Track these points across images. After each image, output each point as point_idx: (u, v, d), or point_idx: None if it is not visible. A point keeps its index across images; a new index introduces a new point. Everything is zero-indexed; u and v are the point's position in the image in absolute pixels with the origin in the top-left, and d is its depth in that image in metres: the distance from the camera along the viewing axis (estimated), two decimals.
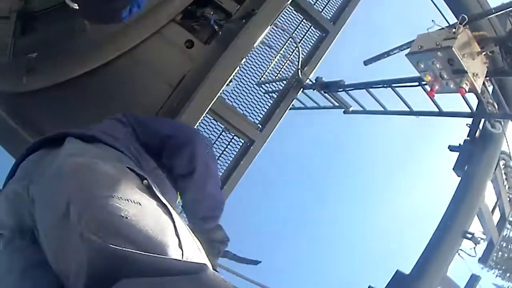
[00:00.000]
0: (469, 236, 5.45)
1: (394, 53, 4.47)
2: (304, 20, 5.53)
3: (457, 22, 3.36)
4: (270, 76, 5.71)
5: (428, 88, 3.87)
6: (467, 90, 3.49)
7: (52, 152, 1.70)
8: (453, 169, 5.64)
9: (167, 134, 2.09)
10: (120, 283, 0.96)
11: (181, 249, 1.15)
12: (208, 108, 3.60)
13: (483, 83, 4.38)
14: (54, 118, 3.61)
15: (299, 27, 5.57)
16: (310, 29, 5.55)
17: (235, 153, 4.74)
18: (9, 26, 3.53)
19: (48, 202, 1.39)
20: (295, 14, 5.50)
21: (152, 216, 1.21)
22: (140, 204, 1.24)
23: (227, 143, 4.81)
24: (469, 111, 4.71)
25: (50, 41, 3.50)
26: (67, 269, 1.17)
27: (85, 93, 3.58)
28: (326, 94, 6.02)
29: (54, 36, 3.52)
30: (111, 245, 1.04)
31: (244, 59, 3.75)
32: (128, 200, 1.22)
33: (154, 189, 1.39)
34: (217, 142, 4.82)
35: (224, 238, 2.22)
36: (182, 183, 2.05)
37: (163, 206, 1.31)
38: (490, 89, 4.67)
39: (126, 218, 1.14)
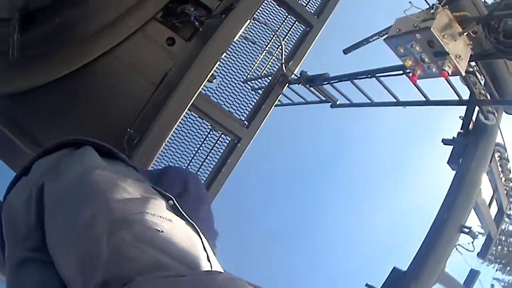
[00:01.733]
0: (467, 230, 5.37)
1: (374, 40, 4.41)
2: (287, 15, 5.49)
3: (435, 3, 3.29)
4: (255, 73, 5.69)
5: (411, 79, 3.83)
6: (450, 73, 3.36)
7: (68, 157, 1.70)
8: (448, 162, 5.58)
9: (162, 172, 2.14)
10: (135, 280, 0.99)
11: (210, 262, 1.20)
12: (191, 103, 3.58)
13: (475, 74, 4.34)
14: (39, 118, 3.61)
15: (283, 22, 5.54)
16: (294, 24, 5.50)
17: (222, 151, 4.72)
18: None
19: (65, 210, 1.39)
20: (278, 9, 5.47)
21: (183, 232, 1.25)
22: (171, 221, 1.27)
23: (214, 141, 4.80)
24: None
25: (32, 42, 3.46)
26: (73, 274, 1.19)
27: (68, 93, 3.58)
28: (312, 88, 5.99)
29: (37, 37, 3.49)
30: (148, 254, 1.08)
31: (224, 54, 3.72)
32: (160, 217, 1.25)
33: (180, 208, 1.42)
34: (205, 142, 4.81)
35: None
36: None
37: (190, 224, 1.35)
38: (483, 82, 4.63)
39: (162, 232, 1.17)
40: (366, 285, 5.28)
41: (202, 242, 1.26)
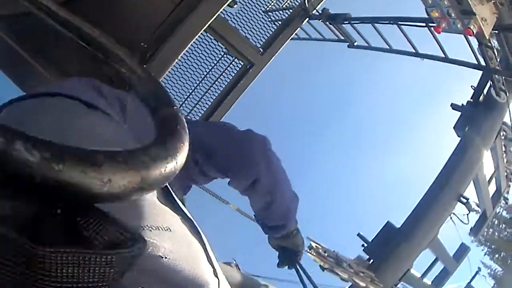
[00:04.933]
0: (464, 200, 5.37)
1: None
2: None
3: None
4: (277, 5, 5.59)
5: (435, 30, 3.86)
6: (474, 32, 3.44)
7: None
8: (454, 128, 5.59)
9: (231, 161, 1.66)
10: None
11: (217, 277, 1.02)
12: (208, 23, 3.53)
13: (493, 50, 4.35)
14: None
15: None
16: None
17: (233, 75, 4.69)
18: None
19: None
20: None
21: (186, 247, 0.99)
22: (170, 230, 0.96)
23: (227, 65, 4.76)
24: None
25: None
26: None
27: (85, 7, 3.52)
28: (331, 26, 5.98)
29: None
30: None
31: None
32: (159, 228, 0.94)
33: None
34: (217, 65, 4.78)
35: (299, 247, 2.01)
36: (249, 192, 1.74)
37: (188, 220, 1.08)
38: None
39: (165, 258, 0.89)
40: (358, 234, 5.30)
41: (206, 251, 1.05)
